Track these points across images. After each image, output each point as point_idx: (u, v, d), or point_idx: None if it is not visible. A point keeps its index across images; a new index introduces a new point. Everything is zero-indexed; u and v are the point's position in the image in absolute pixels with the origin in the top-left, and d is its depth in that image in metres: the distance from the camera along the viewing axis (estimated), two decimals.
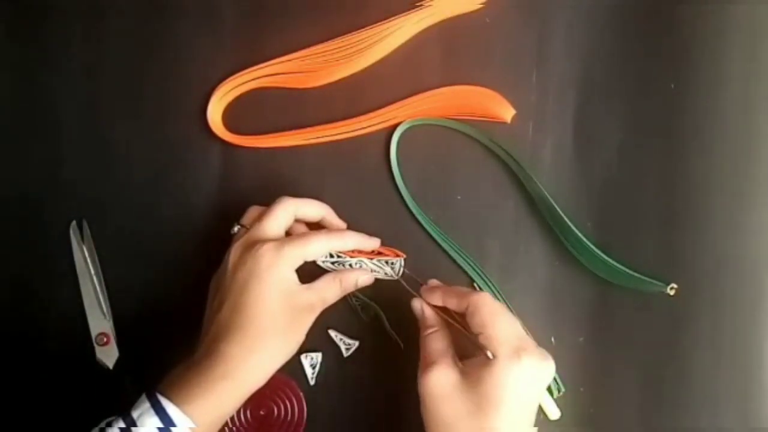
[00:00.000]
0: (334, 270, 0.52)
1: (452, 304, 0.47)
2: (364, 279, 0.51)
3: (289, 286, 0.47)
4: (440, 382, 0.45)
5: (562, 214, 0.53)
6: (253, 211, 0.51)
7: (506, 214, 0.55)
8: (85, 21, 0.55)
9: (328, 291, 0.49)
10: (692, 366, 0.54)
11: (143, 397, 0.44)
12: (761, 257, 0.54)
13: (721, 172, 0.54)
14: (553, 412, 0.54)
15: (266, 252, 0.47)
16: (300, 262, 0.48)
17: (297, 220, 0.51)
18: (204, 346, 0.46)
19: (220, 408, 0.44)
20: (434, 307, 0.49)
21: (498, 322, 0.45)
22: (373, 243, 0.52)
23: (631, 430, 0.54)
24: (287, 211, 0.50)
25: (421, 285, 0.50)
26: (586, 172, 0.55)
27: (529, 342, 0.45)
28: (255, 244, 0.47)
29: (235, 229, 0.50)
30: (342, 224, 0.53)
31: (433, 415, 0.45)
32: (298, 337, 0.48)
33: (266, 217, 0.49)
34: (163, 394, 0.43)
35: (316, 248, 0.49)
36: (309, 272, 0.49)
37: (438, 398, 0.45)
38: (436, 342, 0.47)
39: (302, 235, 0.49)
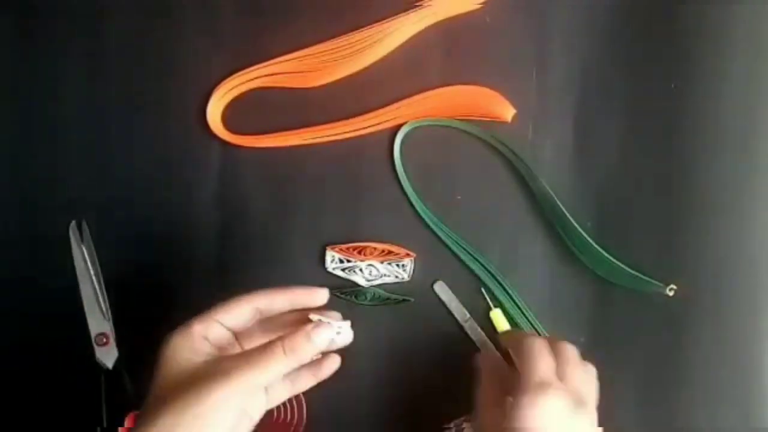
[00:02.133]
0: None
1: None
2: (321, 337, 0.43)
3: (191, 355, 0.43)
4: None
5: (566, 212, 0.53)
6: None
7: (507, 214, 0.55)
8: (85, 21, 0.55)
9: (261, 353, 0.42)
10: (692, 366, 0.54)
11: None
12: (761, 257, 0.54)
13: (721, 172, 0.54)
14: None
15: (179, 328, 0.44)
16: (213, 324, 0.44)
17: (266, 318, 0.47)
18: None
19: None
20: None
21: (529, 357, 0.44)
22: (319, 295, 0.47)
23: (631, 429, 0.54)
24: (240, 304, 0.45)
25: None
26: (586, 172, 0.55)
27: (568, 380, 0.44)
28: None
29: None
30: (321, 292, 0.47)
31: None
32: (205, 415, 0.40)
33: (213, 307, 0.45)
34: None
35: (236, 311, 0.45)
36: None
37: None
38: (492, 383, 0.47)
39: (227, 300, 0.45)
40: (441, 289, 0.54)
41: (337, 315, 0.47)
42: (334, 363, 0.47)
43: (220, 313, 0.44)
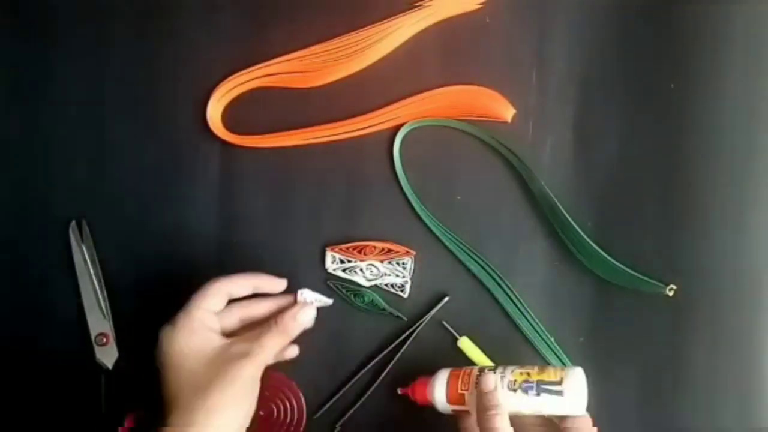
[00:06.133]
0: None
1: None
2: (304, 316, 0.50)
3: (204, 344, 0.47)
4: None
5: (565, 213, 0.53)
6: None
7: (507, 214, 0.55)
8: (86, 21, 0.55)
9: (264, 336, 0.48)
10: (692, 366, 0.54)
11: None
12: (761, 257, 0.54)
13: (721, 172, 0.54)
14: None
15: (174, 320, 0.47)
16: (207, 313, 0.48)
17: (233, 300, 0.50)
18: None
19: None
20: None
21: None
22: (279, 284, 0.51)
23: (631, 429, 0.54)
24: (215, 290, 0.49)
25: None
26: (586, 172, 0.55)
27: None
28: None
29: None
30: (281, 282, 0.52)
31: None
32: (238, 389, 0.45)
33: (193, 297, 0.48)
34: None
35: (214, 298, 0.48)
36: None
37: None
38: (504, 421, 0.46)
39: (202, 287, 0.48)
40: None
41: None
42: (292, 351, 0.52)
43: (207, 299, 0.48)
